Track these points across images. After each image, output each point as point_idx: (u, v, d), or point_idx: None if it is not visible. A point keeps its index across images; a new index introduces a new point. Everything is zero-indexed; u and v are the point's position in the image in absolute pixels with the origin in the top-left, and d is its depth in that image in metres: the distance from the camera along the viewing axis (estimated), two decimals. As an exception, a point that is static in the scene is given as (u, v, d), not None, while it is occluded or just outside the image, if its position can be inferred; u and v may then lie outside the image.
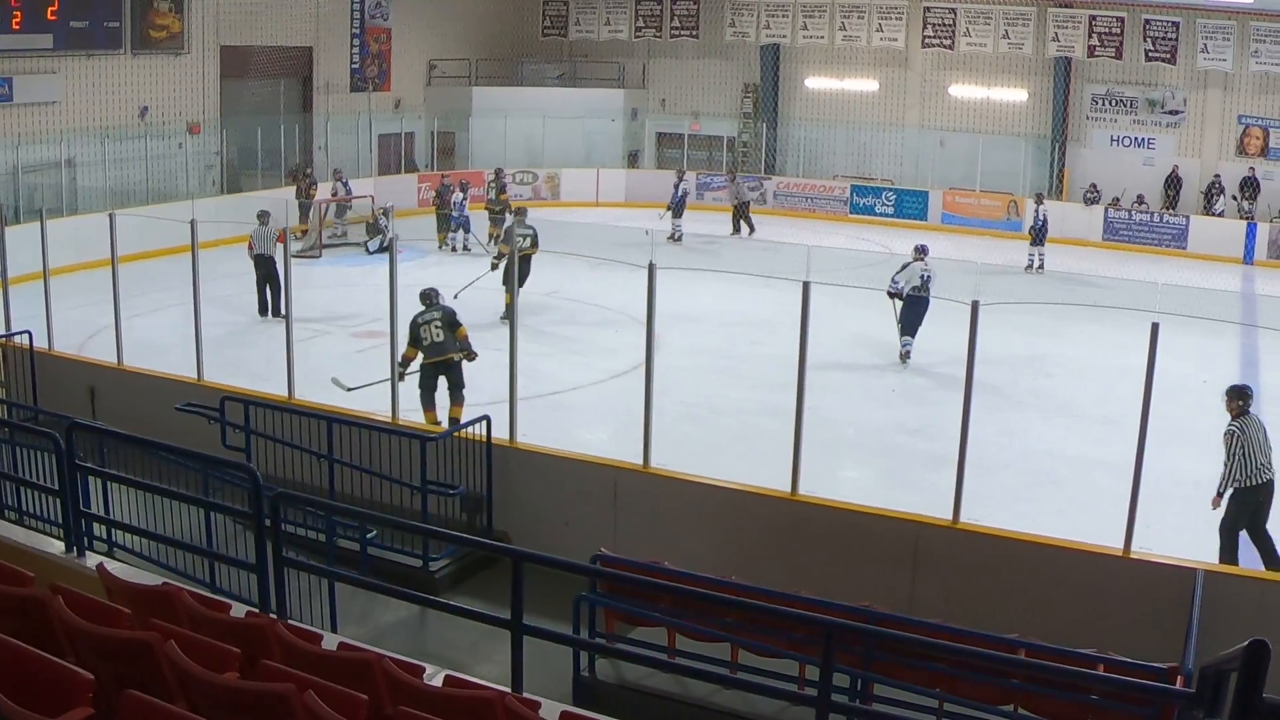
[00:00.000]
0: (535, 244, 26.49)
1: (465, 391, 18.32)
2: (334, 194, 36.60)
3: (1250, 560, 14.34)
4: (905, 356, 23.96)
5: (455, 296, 22.91)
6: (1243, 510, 14.51)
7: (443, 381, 18.28)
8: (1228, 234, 38.84)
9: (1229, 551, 14.45)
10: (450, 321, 18.47)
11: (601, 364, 23.00)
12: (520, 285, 24.12)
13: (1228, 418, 14.70)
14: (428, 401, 18.48)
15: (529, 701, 7.81)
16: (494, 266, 26.49)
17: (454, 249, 34.76)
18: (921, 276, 23.70)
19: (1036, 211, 35.14)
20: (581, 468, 14.98)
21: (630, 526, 14.33)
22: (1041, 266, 34.62)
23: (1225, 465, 14.52)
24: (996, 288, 27.26)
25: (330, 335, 24.39)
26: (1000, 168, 42.16)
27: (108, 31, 34.11)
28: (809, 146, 46.80)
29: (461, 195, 34.95)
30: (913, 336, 23.89)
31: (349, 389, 17.71)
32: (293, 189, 36.24)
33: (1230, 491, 14.49)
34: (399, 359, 17.04)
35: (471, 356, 18.49)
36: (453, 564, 14.09)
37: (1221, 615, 11.12)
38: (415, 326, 18.28)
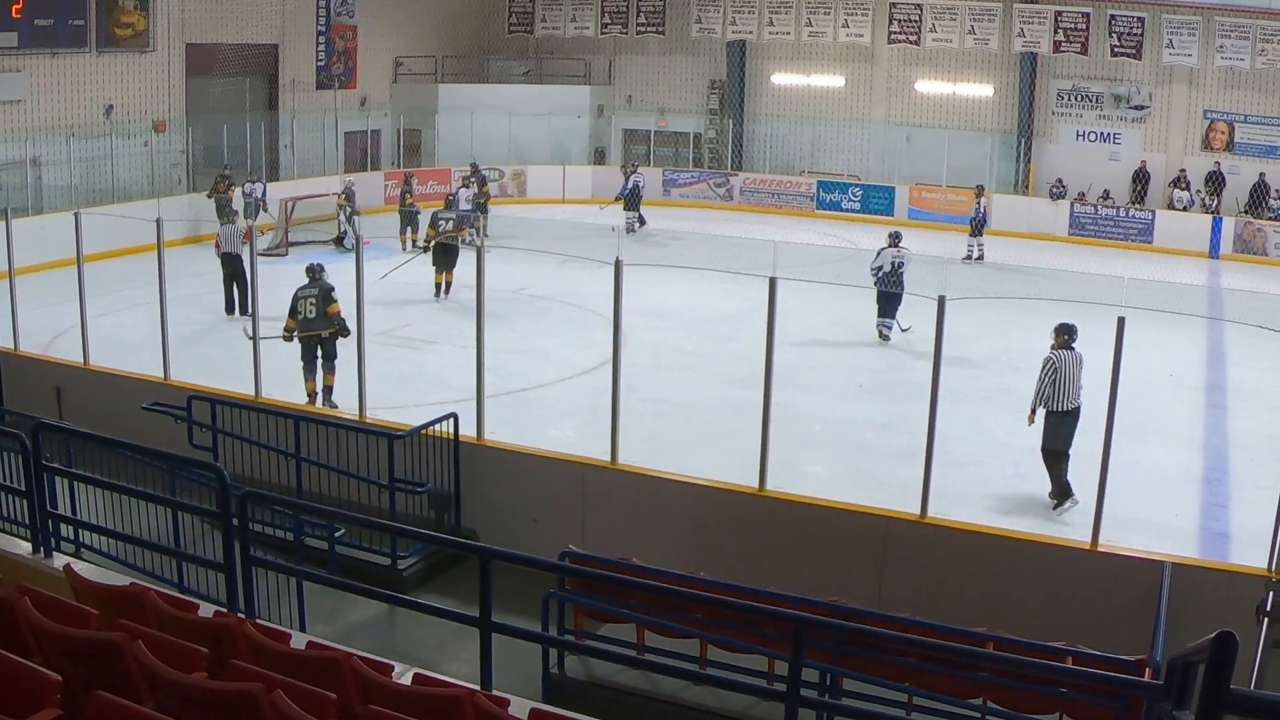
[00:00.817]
0: (460, 227, 28.45)
1: (432, 388, 18.44)
2: (247, 195, 36.04)
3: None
4: (884, 337, 25.15)
5: (382, 278, 25.29)
6: (1056, 432, 16.49)
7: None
8: (1193, 229, 39.04)
9: (1058, 480, 16.49)
10: (325, 298, 19.60)
11: (569, 361, 23.00)
12: (450, 268, 27.77)
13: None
14: (307, 372, 19.68)
15: (498, 699, 7.80)
16: (425, 249, 29.11)
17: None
18: (893, 262, 25.05)
19: (978, 204, 36.28)
20: (549, 465, 14.98)
21: (598, 523, 14.34)
22: (981, 257, 35.64)
23: (1037, 388, 16.56)
24: (963, 283, 27.46)
25: (296, 334, 24.30)
26: (966, 163, 42.19)
27: (73, 29, 33.91)
28: (775, 143, 46.83)
29: (467, 190, 34.89)
30: (892, 319, 25.10)
31: (251, 337, 17.70)
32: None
33: (1044, 413, 16.53)
34: (284, 329, 19.54)
35: (343, 334, 19.24)
36: (421, 562, 14.09)
37: (1189, 607, 11.18)
38: (294, 300, 19.74)
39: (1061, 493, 16.36)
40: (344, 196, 35.12)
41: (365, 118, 44.52)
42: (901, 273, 24.97)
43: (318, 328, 19.53)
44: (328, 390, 19.56)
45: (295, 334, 19.67)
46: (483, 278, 14.98)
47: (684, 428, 19.48)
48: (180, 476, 13.80)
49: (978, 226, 36.05)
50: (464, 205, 34.12)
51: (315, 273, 20.08)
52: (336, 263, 28.81)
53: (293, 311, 19.60)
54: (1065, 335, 16.64)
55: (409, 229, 34.64)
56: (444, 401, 17.13)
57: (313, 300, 19.57)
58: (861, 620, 10.60)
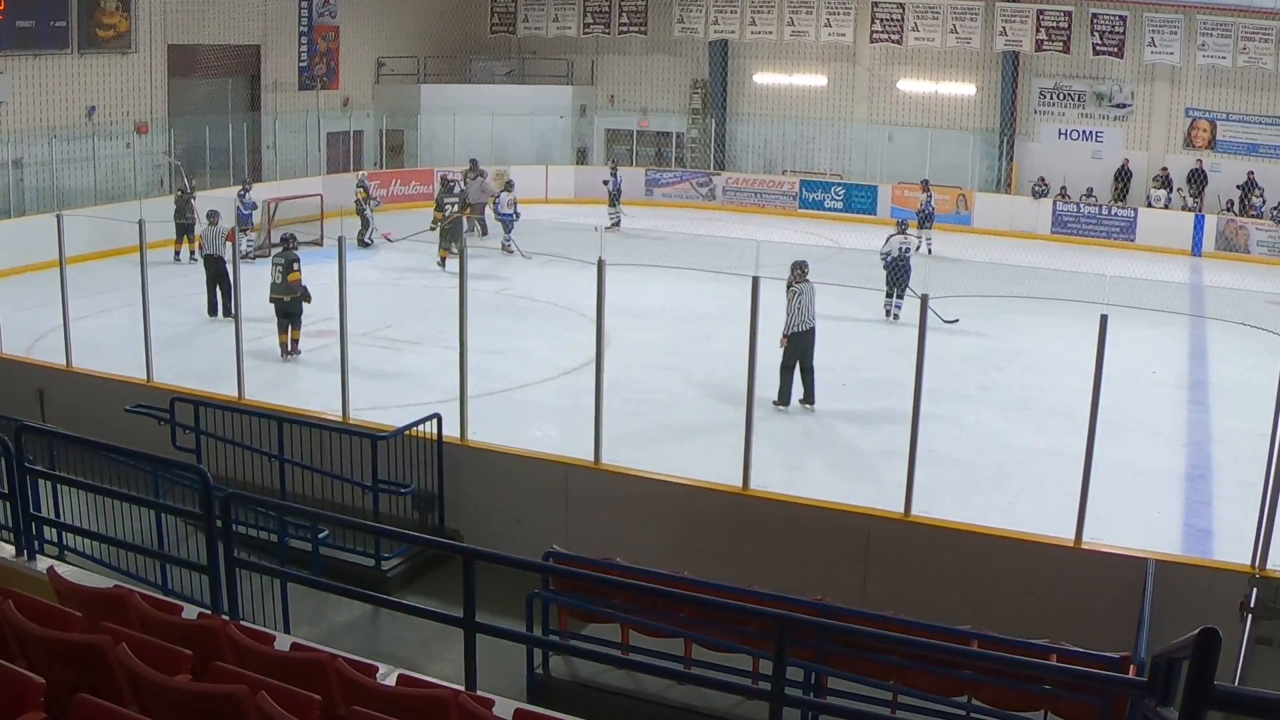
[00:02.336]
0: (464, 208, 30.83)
1: (415, 388, 18.51)
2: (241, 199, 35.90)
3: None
4: (892, 316, 27.10)
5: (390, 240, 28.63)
6: (794, 350, 20.27)
7: None
8: (1176, 226, 39.17)
9: (785, 390, 20.39)
10: (288, 267, 22.82)
11: (552, 361, 22.97)
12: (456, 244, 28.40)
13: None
14: (280, 327, 22.98)
15: (483, 700, 7.79)
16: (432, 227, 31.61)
17: (509, 250, 33.44)
18: (900, 248, 27.23)
19: (926, 197, 37.29)
20: (533, 465, 14.99)
21: (582, 523, 14.34)
22: (930, 250, 36.05)
23: (787, 315, 20.09)
24: (946, 281, 27.50)
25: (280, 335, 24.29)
26: (949, 162, 42.35)
27: (54, 31, 33.83)
28: (758, 142, 46.89)
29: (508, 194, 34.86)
30: (900, 299, 27.05)
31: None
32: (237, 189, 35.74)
33: (791, 334, 20.13)
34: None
35: (304, 299, 22.62)
36: (405, 563, 14.09)
37: (1173, 604, 11.20)
38: (271, 265, 23.42)
39: (784, 398, 20.37)
40: (362, 190, 35.10)
41: (348, 119, 44.48)
42: (908, 257, 27.27)
43: (281, 292, 22.74)
44: (294, 343, 23.01)
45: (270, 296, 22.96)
46: (465, 278, 14.98)
47: (667, 427, 19.48)
48: (163, 478, 13.77)
49: (926, 219, 36.82)
50: (505, 209, 34.13)
51: (287, 243, 23.46)
52: (316, 264, 28.82)
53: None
54: (800, 271, 20.60)
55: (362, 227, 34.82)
56: (427, 402, 17.11)
57: (280, 267, 22.87)
58: (846, 619, 10.61)
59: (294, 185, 38.37)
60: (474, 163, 38.89)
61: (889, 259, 27.28)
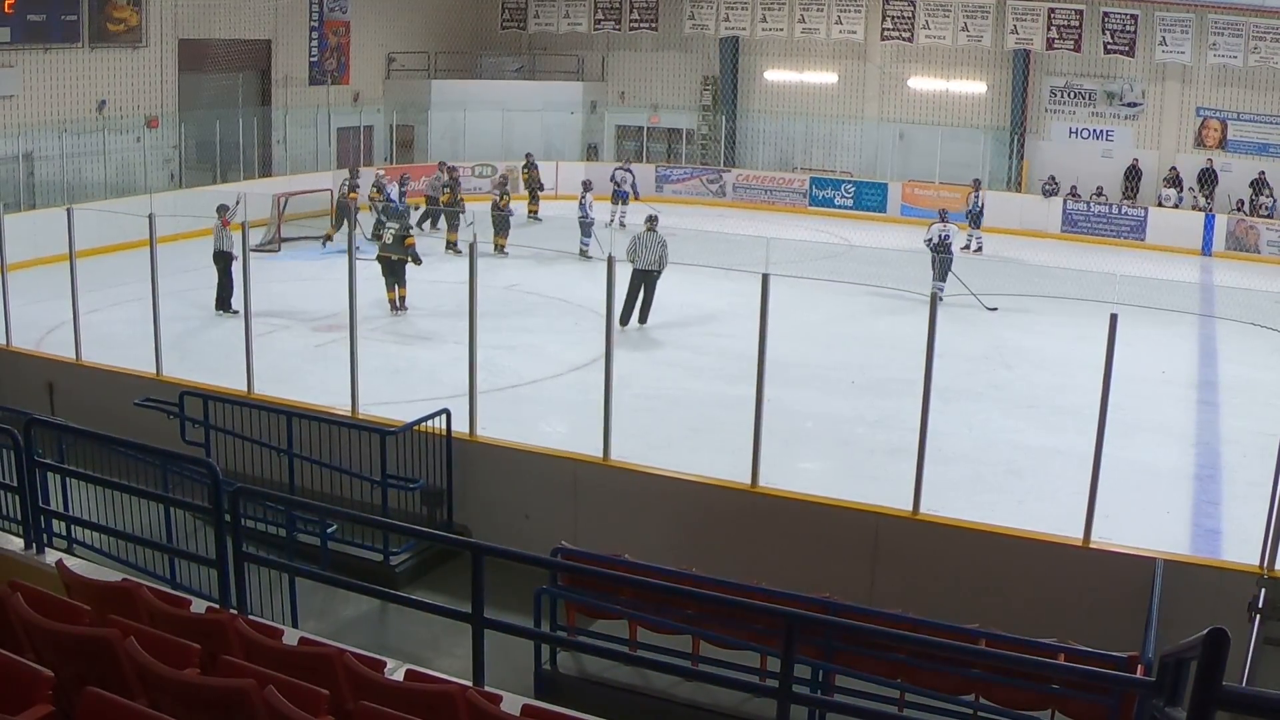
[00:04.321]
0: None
1: (425, 384, 18.73)
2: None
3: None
4: (938, 299, 27.69)
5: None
6: (635, 284, 24.94)
7: None
8: (1186, 225, 39.08)
9: (627, 309, 24.77)
10: (403, 231, 26.67)
11: (561, 357, 22.98)
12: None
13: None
14: (386, 285, 26.30)
15: (490, 695, 7.79)
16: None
17: (584, 254, 33.15)
18: (940, 235, 29.14)
19: (976, 197, 37.17)
20: (541, 461, 15.00)
21: (590, 519, 14.35)
22: (980, 248, 36.36)
23: (627, 254, 24.54)
24: (955, 280, 27.49)
25: (290, 330, 24.30)
26: (959, 160, 42.28)
27: (65, 25, 33.86)
28: (768, 139, 46.82)
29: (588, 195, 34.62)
30: (943, 282, 28.05)
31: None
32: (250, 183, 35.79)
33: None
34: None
35: (415, 261, 26.31)
36: (413, 558, 14.10)
37: (1181, 604, 11.20)
38: (375, 226, 28.62)
39: (625, 320, 24.45)
40: (375, 189, 35.02)
41: (358, 114, 44.45)
42: (949, 243, 29.13)
43: (392, 251, 26.08)
44: (401, 299, 26.38)
45: (378, 254, 26.29)
46: (475, 274, 14.97)
47: (676, 424, 19.47)
48: (172, 472, 13.77)
49: (975, 218, 36.81)
50: (588, 212, 33.60)
51: (393, 213, 28.41)
52: (326, 260, 28.82)
53: (375, 234, 27.79)
54: (651, 223, 25.96)
55: (344, 221, 34.37)
56: (436, 397, 17.06)
57: (393, 231, 26.38)
58: (853, 616, 10.60)
59: (305, 180, 38.29)
60: (441, 164, 38.73)
61: (931, 245, 28.97)
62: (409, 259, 26.17)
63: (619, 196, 39.40)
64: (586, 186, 34.50)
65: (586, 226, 33.34)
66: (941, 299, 26.76)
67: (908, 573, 13.09)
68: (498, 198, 34.25)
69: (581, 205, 33.85)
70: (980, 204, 37.09)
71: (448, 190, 35.01)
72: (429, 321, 25.27)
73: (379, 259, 26.14)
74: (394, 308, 26.20)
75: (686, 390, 21.34)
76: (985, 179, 41.27)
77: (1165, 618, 10.55)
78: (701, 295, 26.76)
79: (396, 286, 26.36)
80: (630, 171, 40.64)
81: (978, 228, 36.77)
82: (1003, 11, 41.91)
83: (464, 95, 45.78)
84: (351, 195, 35.02)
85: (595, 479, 14.49)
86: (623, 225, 37.21)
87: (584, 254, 32.68)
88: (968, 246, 35.67)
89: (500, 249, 32.73)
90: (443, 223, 35.59)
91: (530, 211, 39.56)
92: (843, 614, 10.58)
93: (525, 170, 40.91)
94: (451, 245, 33.20)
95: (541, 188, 40.63)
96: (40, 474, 11.47)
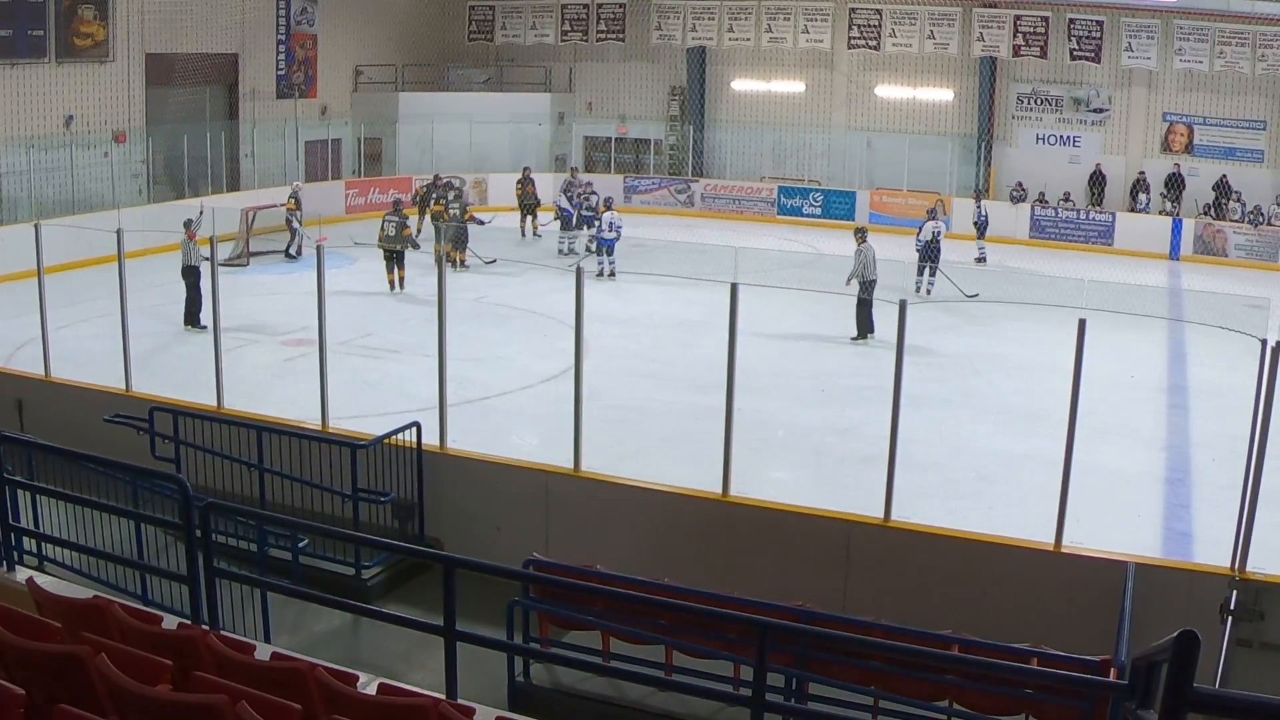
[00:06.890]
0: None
1: (395, 397, 18.80)
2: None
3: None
4: (924, 291, 30.76)
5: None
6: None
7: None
8: (1154, 230, 39.29)
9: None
10: (402, 224, 30.31)
11: (531, 368, 22.95)
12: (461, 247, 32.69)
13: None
14: (387, 268, 30.10)
15: (463, 708, 7.79)
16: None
17: (588, 250, 33.16)
18: (933, 233, 31.23)
19: (979, 208, 37.54)
20: (513, 473, 14.98)
21: (562, 530, 14.34)
22: (984, 259, 36.53)
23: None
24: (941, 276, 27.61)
25: (259, 344, 24.23)
26: (927, 167, 42.46)
27: (31, 40, 33.72)
28: (736, 148, 46.89)
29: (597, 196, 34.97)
30: (932, 277, 30.70)
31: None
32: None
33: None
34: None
35: (413, 247, 30.25)
36: (385, 571, 14.06)
37: (1152, 607, 11.23)
38: (383, 222, 30.77)
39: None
40: (293, 201, 34.89)
41: (326, 127, 44.46)
42: (939, 240, 31.18)
43: (394, 243, 29.67)
44: (401, 280, 29.87)
45: (379, 243, 29.91)
46: (444, 286, 14.96)
47: (647, 434, 19.49)
48: (143, 488, 13.70)
49: (980, 229, 37.04)
50: (606, 234, 32.26)
51: (397, 207, 31.36)
52: (294, 273, 28.72)
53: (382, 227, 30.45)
54: (860, 234, 27.23)
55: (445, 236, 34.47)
56: (406, 410, 17.03)
57: (394, 224, 30.10)
58: (826, 624, 10.61)
59: (273, 194, 38.14)
60: (436, 177, 38.78)
61: (923, 244, 30.91)
62: (407, 246, 29.88)
63: (566, 217, 37.51)
64: (608, 204, 33.91)
65: (609, 245, 32.05)
66: (929, 293, 29.08)
67: (880, 580, 13.11)
68: (457, 211, 34.15)
69: (598, 221, 33.39)
70: (984, 215, 37.24)
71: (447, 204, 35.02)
72: (398, 335, 25.23)
73: (380, 247, 29.83)
74: (393, 288, 29.77)
75: (657, 400, 21.35)
76: (953, 186, 41.54)
77: (1137, 621, 10.58)
78: (671, 305, 26.78)
79: (396, 269, 29.86)
80: (578, 184, 39.21)
81: (982, 237, 36.85)
82: (969, 19, 42.09)
83: (432, 107, 45.71)
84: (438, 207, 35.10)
85: (566, 490, 14.47)
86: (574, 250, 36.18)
87: (610, 273, 31.68)
88: (980, 258, 36.32)
89: (460, 263, 32.40)
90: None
91: (533, 230, 39.22)
92: (815, 622, 10.58)
93: (520, 185, 39.75)
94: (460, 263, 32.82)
95: (538, 203, 39.71)
96: (10, 491, 11.40)
